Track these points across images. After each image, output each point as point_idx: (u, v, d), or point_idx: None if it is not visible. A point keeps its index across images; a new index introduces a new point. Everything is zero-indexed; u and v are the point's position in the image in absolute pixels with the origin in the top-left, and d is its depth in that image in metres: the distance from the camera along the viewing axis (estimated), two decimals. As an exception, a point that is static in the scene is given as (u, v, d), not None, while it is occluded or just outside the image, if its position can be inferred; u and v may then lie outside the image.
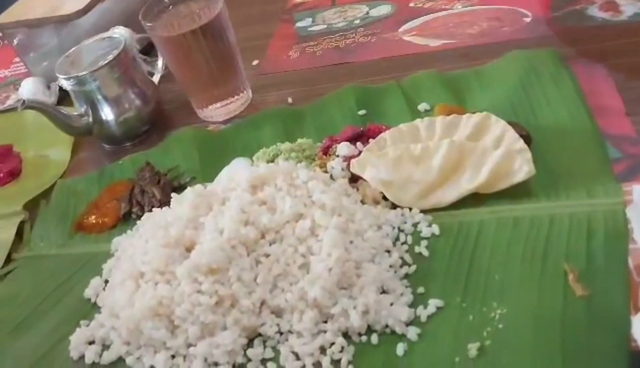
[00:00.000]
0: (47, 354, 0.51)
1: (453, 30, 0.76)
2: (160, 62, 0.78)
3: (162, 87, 0.80)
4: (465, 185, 0.50)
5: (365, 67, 0.74)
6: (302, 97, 0.72)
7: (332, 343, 0.43)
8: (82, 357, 0.49)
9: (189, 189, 0.56)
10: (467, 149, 0.51)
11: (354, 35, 0.81)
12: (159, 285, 0.47)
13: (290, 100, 0.73)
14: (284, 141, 0.63)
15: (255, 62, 0.82)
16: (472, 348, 0.39)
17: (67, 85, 0.71)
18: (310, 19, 0.89)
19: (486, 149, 0.51)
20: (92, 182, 0.70)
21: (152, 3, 0.69)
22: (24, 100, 0.67)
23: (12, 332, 0.54)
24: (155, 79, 0.79)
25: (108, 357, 0.48)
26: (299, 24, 0.89)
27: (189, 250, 0.50)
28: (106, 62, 0.70)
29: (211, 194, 0.54)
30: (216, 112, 0.73)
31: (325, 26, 0.86)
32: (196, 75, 0.71)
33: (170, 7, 0.70)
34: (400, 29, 0.79)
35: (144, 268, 0.48)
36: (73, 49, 0.74)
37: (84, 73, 0.69)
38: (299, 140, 0.62)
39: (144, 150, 0.73)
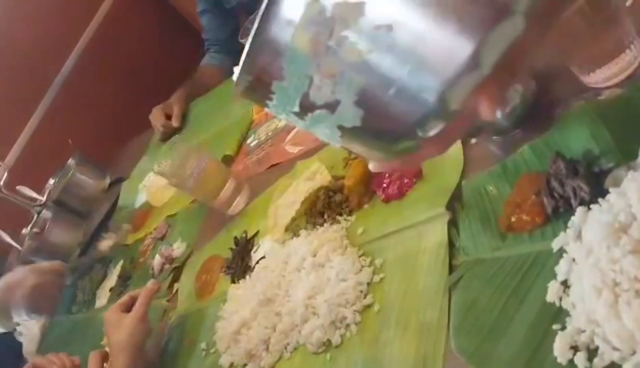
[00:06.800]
0: (532, 360, 0.55)
1: None
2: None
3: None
4: None
5: None
6: None
7: None
8: (569, 362, 0.52)
9: (627, 180, 0.54)
10: None
11: None
12: (641, 294, 0.47)
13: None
14: None
15: (629, 2, 0.74)
16: None
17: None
18: None
19: None
20: (499, 179, 0.72)
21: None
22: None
23: (486, 338, 0.61)
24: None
25: (599, 363, 0.50)
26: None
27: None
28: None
29: (658, 183, 0.51)
30: (606, 75, 0.68)
31: None
32: (573, 37, 0.67)
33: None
34: None
35: (618, 277, 0.49)
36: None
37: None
38: None
39: (535, 135, 0.72)
